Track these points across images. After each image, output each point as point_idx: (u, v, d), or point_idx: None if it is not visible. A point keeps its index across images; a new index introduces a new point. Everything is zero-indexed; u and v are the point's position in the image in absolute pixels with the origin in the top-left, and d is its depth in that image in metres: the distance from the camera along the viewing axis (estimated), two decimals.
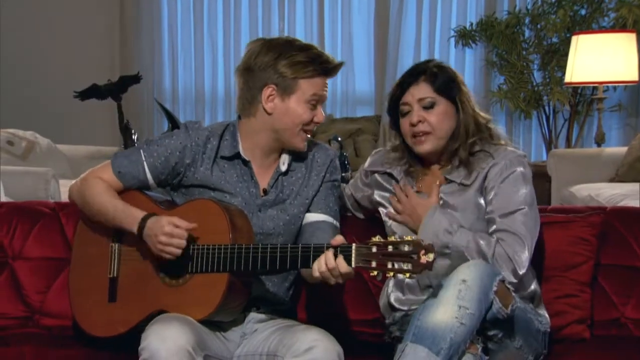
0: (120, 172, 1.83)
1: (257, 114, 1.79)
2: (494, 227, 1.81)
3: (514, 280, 1.77)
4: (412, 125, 1.85)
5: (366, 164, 2.01)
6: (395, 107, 1.89)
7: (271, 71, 1.75)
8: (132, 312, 1.76)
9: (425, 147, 1.86)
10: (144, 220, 1.72)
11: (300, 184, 1.85)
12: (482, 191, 1.85)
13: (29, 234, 2.13)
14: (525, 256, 1.78)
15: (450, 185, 1.87)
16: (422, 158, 1.92)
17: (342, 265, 1.59)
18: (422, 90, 1.85)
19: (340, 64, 1.79)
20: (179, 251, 1.69)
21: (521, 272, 1.77)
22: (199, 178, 1.82)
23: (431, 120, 1.84)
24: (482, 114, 1.90)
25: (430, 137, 1.85)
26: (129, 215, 1.75)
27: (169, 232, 1.68)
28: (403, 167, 1.92)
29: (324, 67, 1.76)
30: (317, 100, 1.78)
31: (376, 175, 1.97)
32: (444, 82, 1.85)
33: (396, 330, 1.89)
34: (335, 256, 1.60)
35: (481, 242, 1.77)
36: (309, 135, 1.81)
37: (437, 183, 1.88)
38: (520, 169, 1.84)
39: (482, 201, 1.85)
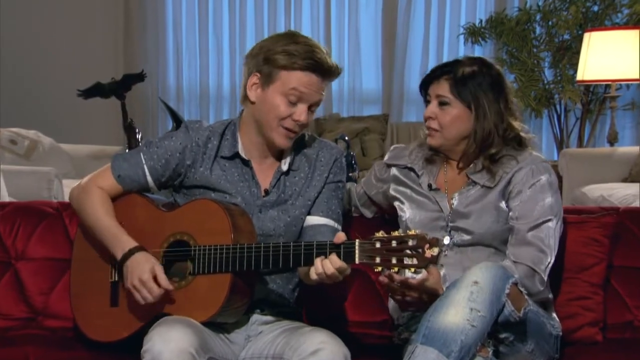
0: (120, 176, 1.83)
1: (247, 103, 1.80)
2: (517, 236, 1.81)
3: (541, 289, 1.79)
4: (425, 118, 1.90)
5: (386, 157, 2.02)
6: (424, 95, 1.93)
7: (260, 58, 1.74)
8: (134, 317, 1.76)
9: (432, 141, 1.90)
10: (131, 252, 1.71)
11: (303, 184, 1.84)
12: (505, 195, 1.85)
13: (32, 234, 2.13)
14: (547, 267, 1.80)
15: (471, 188, 1.87)
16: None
17: (335, 261, 1.58)
18: (440, 88, 1.86)
19: (336, 67, 1.74)
20: (141, 301, 1.69)
21: (545, 279, 1.79)
22: (199, 179, 1.81)
23: (442, 119, 1.86)
24: (514, 124, 1.87)
25: (437, 134, 1.88)
26: (118, 243, 1.74)
27: (145, 280, 1.67)
28: (426, 155, 1.92)
29: (312, 63, 1.71)
30: (298, 97, 1.73)
31: (394, 169, 1.97)
32: (467, 87, 1.84)
33: (405, 332, 1.89)
34: (339, 255, 1.60)
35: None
36: (291, 135, 1.76)
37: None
38: (545, 176, 1.84)
39: (503, 205, 1.85)
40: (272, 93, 1.74)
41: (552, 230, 1.81)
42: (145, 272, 1.68)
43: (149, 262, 1.70)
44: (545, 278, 1.80)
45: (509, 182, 1.85)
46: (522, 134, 1.89)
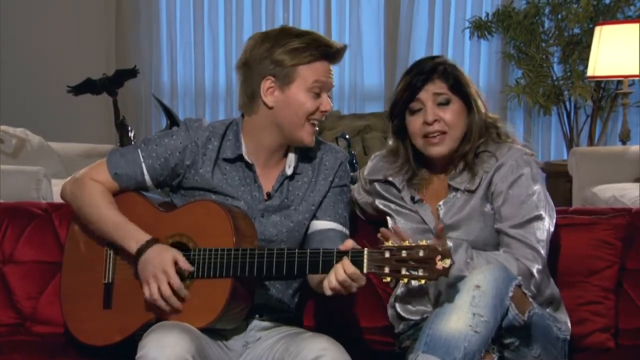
0: (116, 174, 1.83)
1: (258, 110, 1.79)
2: (506, 238, 1.80)
3: (535, 291, 1.79)
4: (427, 124, 1.83)
5: (366, 171, 2.00)
6: (403, 109, 1.87)
7: (267, 62, 1.75)
8: (128, 320, 1.77)
9: (440, 148, 1.84)
10: (149, 244, 1.72)
11: (307, 188, 1.84)
12: (488, 197, 1.85)
13: (20, 237, 2.14)
14: (539, 268, 1.79)
15: (453, 197, 1.86)
16: (428, 162, 1.90)
17: (348, 266, 1.57)
18: (437, 87, 1.84)
19: (343, 48, 1.78)
20: (156, 294, 1.68)
21: (539, 282, 1.79)
22: (199, 180, 1.82)
23: (447, 118, 1.83)
24: (490, 114, 1.90)
25: (445, 137, 1.83)
26: (130, 234, 1.74)
27: (169, 272, 1.67)
28: (405, 176, 1.91)
29: (323, 50, 1.75)
30: (320, 88, 1.76)
31: (376, 184, 1.97)
32: (457, 80, 1.85)
33: (406, 340, 1.89)
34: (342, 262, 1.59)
35: (502, 261, 1.76)
36: (316, 128, 1.80)
37: (439, 225, 1.77)
38: (527, 170, 1.83)
39: (487, 208, 1.85)
40: (296, 91, 1.75)
41: (541, 227, 1.80)
42: (168, 264, 1.68)
43: (169, 251, 1.70)
44: (539, 281, 1.79)
45: (490, 183, 1.84)
46: (498, 123, 1.90)
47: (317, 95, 1.77)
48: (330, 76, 1.78)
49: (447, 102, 1.84)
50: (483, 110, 1.87)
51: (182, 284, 1.69)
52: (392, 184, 1.93)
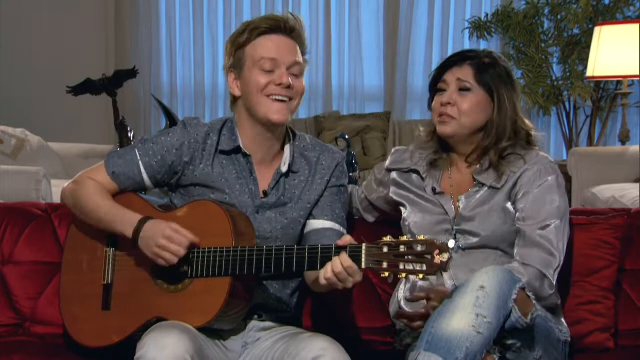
0: (114, 173, 1.83)
1: (237, 104, 1.84)
2: (526, 238, 1.82)
3: (550, 292, 1.80)
4: (442, 105, 1.88)
5: (387, 162, 2.03)
6: (434, 86, 1.92)
7: (227, 57, 1.82)
8: (127, 321, 1.77)
9: (446, 129, 1.88)
10: (141, 223, 1.73)
11: (303, 187, 1.85)
12: (512, 197, 1.86)
13: (20, 237, 2.14)
14: (556, 270, 1.80)
15: (478, 190, 1.88)
16: (449, 148, 1.93)
17: (345, 259, 1.58)
18: (463, 73, 1.88)
19: (295, 22, 1.79)
20: (174, 259, 1.69)
21: (554, 283, 1.80)
22: (199, 176, 1.82)
23: (462, 106, 1.86)
24: (525, 120, 1.92)
25: (453, 122, 1.87)
26: (124, 218, 1.75)
27: (169, 235, 1.68)
28: (429, 158, 1.93)
29: (267, 23, 1.78)
30: (270, 64, 1.77)
31: (394, 173, 1.98)
32: (489, 74, 1.87)
33: (407, 338, 1.89)
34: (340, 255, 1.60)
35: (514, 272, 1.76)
36: (283, 105, 1.77)
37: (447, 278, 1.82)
38: (553, 177, 1.86)
39: (509, 206, 1.86)
40: (248, 73, 1.79)
41: (560, 232, 1.82)
42: (166, 229, 1.69)
43: (162, 222, 1.71)
44: (554, 282, 1.81)
45: (515, 184, 1.86)
46: (532, 131, 1.92)
47: (270, 72, 1.77)
48: (282, 51, 1.77)
49: (467, 90, 1.87)
50: (511, 114, 1.87)
51: (189, 240, 1.69)
52: (416, 172, 1.95)
